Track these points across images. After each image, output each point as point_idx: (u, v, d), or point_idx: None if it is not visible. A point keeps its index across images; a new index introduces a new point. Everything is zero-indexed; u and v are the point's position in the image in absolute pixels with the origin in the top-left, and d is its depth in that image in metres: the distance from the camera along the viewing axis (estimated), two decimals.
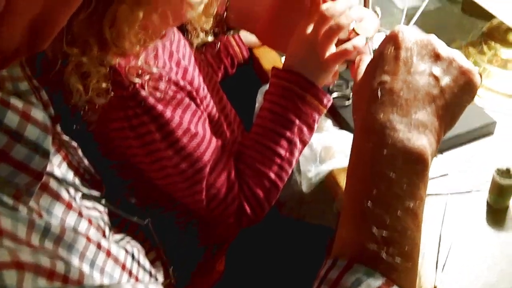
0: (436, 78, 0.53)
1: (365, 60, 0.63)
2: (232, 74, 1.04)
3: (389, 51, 0.55)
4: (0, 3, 0.34)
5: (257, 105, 0.97)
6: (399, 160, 0.48)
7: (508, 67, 0.91)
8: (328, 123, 0.91)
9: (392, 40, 0.56)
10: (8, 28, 0.37)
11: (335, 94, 0.92)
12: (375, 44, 0.94)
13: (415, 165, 0.48)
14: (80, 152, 0.62)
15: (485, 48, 0.95)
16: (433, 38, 0.55)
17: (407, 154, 0.48)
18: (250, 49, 1.05)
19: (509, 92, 0.90)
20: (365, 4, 0.89)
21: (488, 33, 0.97)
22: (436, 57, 0.54)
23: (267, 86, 0.78)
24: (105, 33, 0.63)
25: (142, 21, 0.65)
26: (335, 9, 0.71)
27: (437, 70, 0.53)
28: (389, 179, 0.47)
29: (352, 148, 0.52)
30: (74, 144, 0.61)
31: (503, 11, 0.89)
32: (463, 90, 0.53)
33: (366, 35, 0.71)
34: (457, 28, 1.09)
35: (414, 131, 0.49)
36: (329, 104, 0.76)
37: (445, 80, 0.53)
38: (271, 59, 1.04)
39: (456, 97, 0.53)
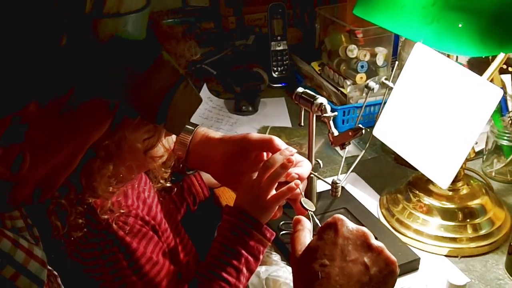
0: (367, 267, 0.64)
1: (305, 233, 0.73)
2: (194, 211, 1.17)
3: (329, 236, 0.67)
4: (24, 166, 0.47)
5: None
6: None
7: (430, 212, 1.07)
8: (277, 257, 1.03)
9: (333, 227, 0.67)
10: (22, 189, 0.49)
11: (283, 232, 1.05)
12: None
13: None
14: (59, 280, 0.71)
15: (411, 195, 1.11)
16: (366, 230, 0.67)
17: None
18: (212, 189, 1.19)
19: (431, 233, 1.05)
20: (309, 157, 1.06)
21: (413, 182, 1.14)
22: (368, 247, 0.65)
23: None
24: (81, 181, 0.76)
25: (112, 172, 0.78)
26: (275, 160, 0.87)
27: (367, 260, 0.64)
28: None
29: None
30: (55, 272, 0.71)
31: (423, 164, 1.06)
32: (387, 279, 0.64)
33: (310, 209, 0.86)
34: (390, 176, 1.26)
35: None
36: (272, 238, 0.90)
37: (374, 270, 0.64)
38: (230, 198, 1.18)
39: (381, 285, 0.64)
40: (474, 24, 0.89)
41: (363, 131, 0.97)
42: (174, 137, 0.91)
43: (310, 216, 0.84)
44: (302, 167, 0.90)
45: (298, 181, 0.88)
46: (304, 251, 0.68)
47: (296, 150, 0.91)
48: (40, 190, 0.52)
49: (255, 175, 0.88)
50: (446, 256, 1.03)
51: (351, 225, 0.67)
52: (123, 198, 0.85)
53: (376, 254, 0.64)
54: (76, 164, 0.54)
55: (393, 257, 0.65)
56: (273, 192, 0.87)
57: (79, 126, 0.50)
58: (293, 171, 0.89)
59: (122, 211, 0.82)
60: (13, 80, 0.43)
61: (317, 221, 0.82)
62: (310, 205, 0.87)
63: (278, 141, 0.91)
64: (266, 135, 0.94)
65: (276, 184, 0.87)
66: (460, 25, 0.89)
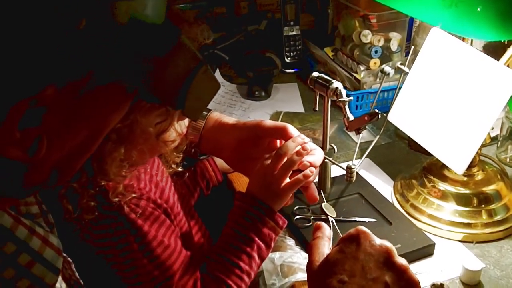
0: (388, 287, 0.59)
1: (324, 241, 0.69)
2: (208, 195, 1.17)
3: (350, 249, 0.62)
4: (41, 150, 0.47)
5: None
6: None
7: (444, 198, 1.07)
8: (291, 242, 1.03)
9: (355, 240, 0.62)
10: (38, 172, 0.49)
11: (297, 217, 1.05)
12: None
13: None
14: (73, 266, 0.72)
15: (425, 181, 1.11)
16: (390, 246, 0.62)
17: None
18: (225, 173, 1.19)
19: (446, 218, 1.04)
20: (323, 142, 1.05)
21: (427, 167, 1.13)
22: (391, 265, 0.60)
23: None
24: (93, 165, 0.76)
25: (124, 155, 0.78)
26: (287, 147, 0.86)
27: (389, 279, 0.59)
28: None
29: None
30: (69, 259, 0.71)
31: (439, 150, 1.05)
32: None
33: (331, 215, 0.85)
34: (403, 161, 1.25)
35: None
36: (285, 226, 0.90)
37: None
38: (243, 183, 1.18)
39: None
40: (493, 8, 0.88)
41: (379, 115, 0.96)
42: (186, 121, 0.90)
43: (331, 223, 0.82)
44: (315, 155, 0.90)
45: (313, 168, 0.88)
46: (322, 263, 0.64)
47: (309, 139, 0.91)
48: (57, 174, 0.52)
49: (268, 161, 0.88)
50: (461, 241, 1.02)
51: (374, 239, 0.62)
52: (136, 181, 0.85)
53: (399, 274, 0.59)
54: (94, 148, 0.54)
55: (416, 278, 0.60)
56: (287, 180, 0.87)
57: (96, 110, 0.50)
58: (305, 159, 0.88)
59: (134, 194, 0.83)
60: (31, 63, 0.43)
61: (338, 231, 0.79)
62: (331, 211, 0.86)
63: (292, 129, 0.90)
64: (280, 123, 0.93)
65: (291, 172, 0.87)
66: (478, 9, 0.88)
